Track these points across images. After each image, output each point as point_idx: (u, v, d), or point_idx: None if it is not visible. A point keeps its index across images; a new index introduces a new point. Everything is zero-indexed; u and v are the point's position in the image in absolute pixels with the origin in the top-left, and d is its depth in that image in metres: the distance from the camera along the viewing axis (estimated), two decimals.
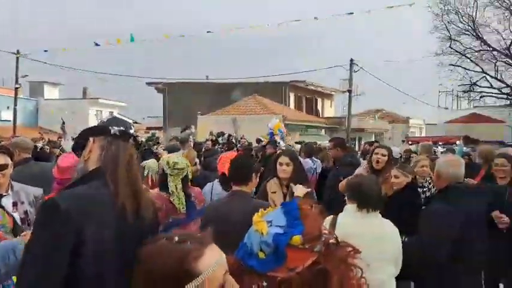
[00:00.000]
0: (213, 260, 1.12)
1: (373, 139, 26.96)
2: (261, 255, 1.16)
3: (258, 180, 2.96)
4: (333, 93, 33.32)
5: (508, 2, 13.00)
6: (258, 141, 10.96)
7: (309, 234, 1.14)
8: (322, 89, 31.81)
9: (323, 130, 26.75)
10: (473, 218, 3.09)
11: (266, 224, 1.21)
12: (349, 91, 24.75)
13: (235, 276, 1.18)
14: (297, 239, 1.13)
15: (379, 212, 2.77)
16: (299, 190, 3.28)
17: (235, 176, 2.83)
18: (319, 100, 33.10)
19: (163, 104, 29.56)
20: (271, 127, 10.29)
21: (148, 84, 29.23)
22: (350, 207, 2.76)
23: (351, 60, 24.22)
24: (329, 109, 34.38)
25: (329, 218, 2.60)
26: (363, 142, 17.30)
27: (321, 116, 31.51)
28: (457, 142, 15.16)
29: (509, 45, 13.39)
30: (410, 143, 17.43)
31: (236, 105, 24.63)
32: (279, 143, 8.01)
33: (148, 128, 27.84)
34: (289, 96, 28.05)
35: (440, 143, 16.34)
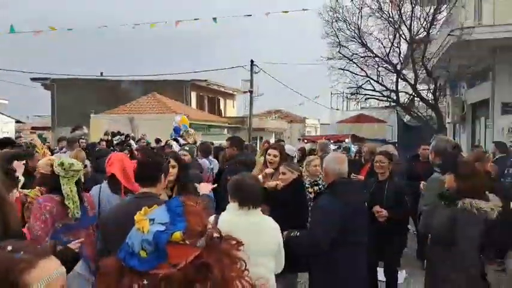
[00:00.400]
0: (46, 272, 1.08)
1: (273, 138, 28.04)
2: (143, 254, 1.13)
3: (167, 181, 2.87)
4: (235, 93, 33.87)
5: (386, 14, 14.39)
6: (157, 141, 10.70)
7: (192, 230, 1.15)
8: (224, 89, 32.14)
9: (226, 130, 27.05)
10: (357, 210, 3.36)
11: (148, 222, 1.18)
12: (250, 91, 25.40)
13: (115, 277, 1.14)
14: (177, 235, 1.12)
15: (266, 207, 2.87)
16: (203, 188, 3.28)
17: (142, 176, 2.69)
18: (222, 100, 33.41)
19: (52, 102, 27.22)
20: (177, 123, 10.12)
21: (34, 80, 26.66)
22: (232, 206, 2.81)
23: (251, 61, 24.89)
24: (231, 109, 34.91)
25: (212, 217, 2.63)
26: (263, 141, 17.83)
27: (223, 115, 31.81)
28: (346, 140, 16.50)
29: (388, 52, 14.80)
30: (305, 141, 18.48)
31: (134, 104, 23.68)
32: (171, 145, 7.88)
33: (34, 128, 25.40)
34: (190, 96, 27.80)
35: (332, 141, 17.53)
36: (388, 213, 4.44)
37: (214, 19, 13.48)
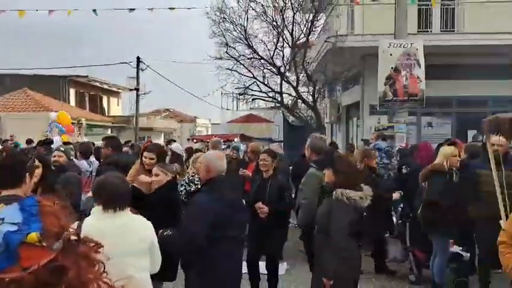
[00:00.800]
0: None
1: (162, 138, 27.36)
2: None
3: (32, 182, 2.58)
4: (120, 90, 32.22)
5: (270, 18, 15.04)
6: (29, 142, 9.72)
7: (48, 231, 1.06)
8: (108, 86, 30.36)
9: (110, 129, 25.59)
10: (235, 207, 3.34)
11: None
12: (136, 89, 24.42)
13: None
14: (33, 236, 1.03)
15: (136, 211, 2.76)
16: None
17: (2, 179, 2.39)
18: (105, 98, 31.53)
19: None
20: (53, 119, 9.31)
21: None
22: (96, 209, 2.66)
23: (138, 58, 23.94)
24: (116, 107, 33.14)
25: (76, 223, 2.47)
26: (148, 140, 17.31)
27: (107, 114, 30.05)
28: (235, 139, 16.87)
29: (272, 55, 15.47)
30: (195, 141, 18.43)
31: (0, 101, 21.10)
32: (52, 141, 7.23)
33: None
34: (69, 92, 25.66)
35: (222, 141, 17.75)
36: (269, 209, 4.63)
37: (94, 11, 12.65)
